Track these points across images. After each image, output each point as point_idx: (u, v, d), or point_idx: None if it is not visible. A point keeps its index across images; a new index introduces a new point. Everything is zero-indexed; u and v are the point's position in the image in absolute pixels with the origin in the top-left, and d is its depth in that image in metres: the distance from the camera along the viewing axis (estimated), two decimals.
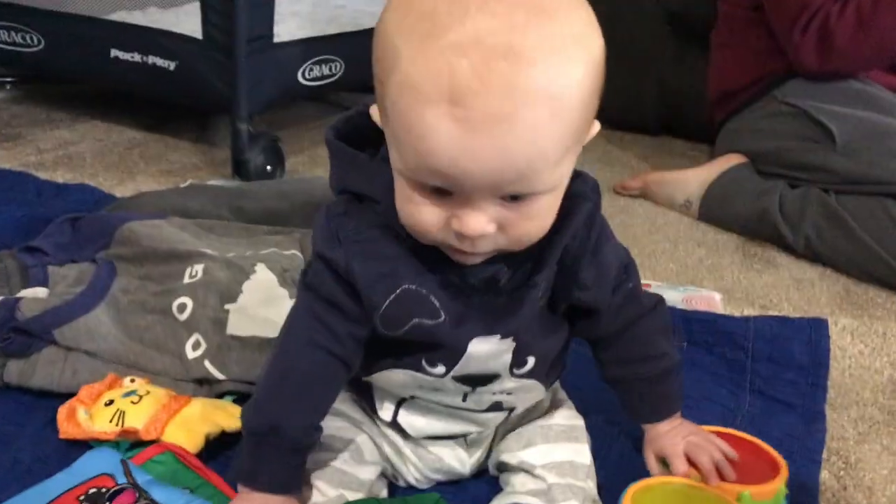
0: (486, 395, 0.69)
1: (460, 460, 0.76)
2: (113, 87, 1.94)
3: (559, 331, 0.70)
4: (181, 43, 1.60)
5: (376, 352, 0.66)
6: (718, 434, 0.76)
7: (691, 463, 0.71)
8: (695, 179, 1.66)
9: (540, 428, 0.75)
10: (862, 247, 1.34)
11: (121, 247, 1.03)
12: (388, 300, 0.61)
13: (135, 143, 1.81)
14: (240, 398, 0.87)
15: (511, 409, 0.72)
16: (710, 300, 1.23)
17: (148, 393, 0.82)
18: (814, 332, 1.04)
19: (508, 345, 0.65)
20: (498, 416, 0.73)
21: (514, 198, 0.53)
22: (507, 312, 0.63)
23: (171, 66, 1.61)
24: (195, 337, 0.90)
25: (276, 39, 1.61)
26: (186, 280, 0.96)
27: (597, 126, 0.57)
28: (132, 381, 0.86)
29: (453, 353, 0.64)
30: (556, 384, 0.81)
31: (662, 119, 2.18)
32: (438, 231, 0.55)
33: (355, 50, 1.79)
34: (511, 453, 0.74)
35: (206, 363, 0.89)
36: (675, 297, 1.21)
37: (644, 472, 0.76)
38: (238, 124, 1.56)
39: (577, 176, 0.61)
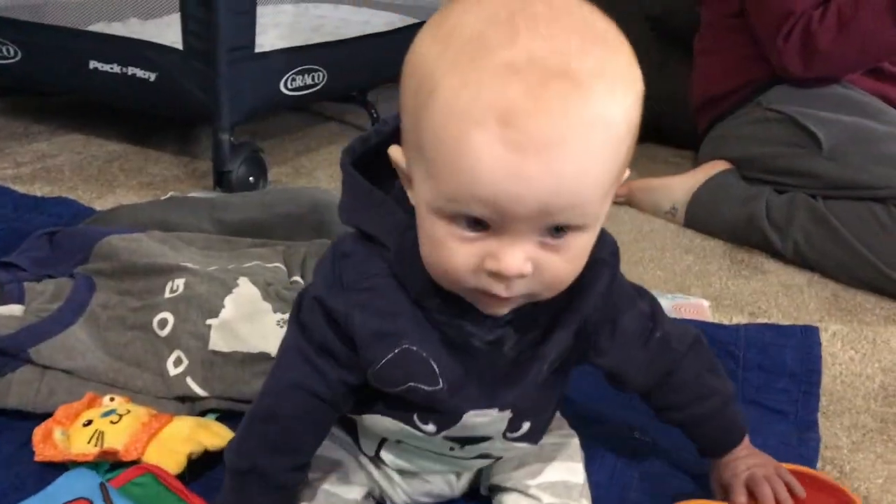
0: (477, 448, 0.67)
1: (450, 485, 0.74)
2: (92, 98, 1.92)
3: (559, 392, 0.68)
4: (162, 54, 1.58)
5: (367, 397, 0.64)
6: (795, 472, 0.73)
7: (752, 495, 0.69)
8: (680, 186, 1.65)
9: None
10: (851, 251, 1.34)
11: (100, 261, 1.02)
12: (385, 358, 0.58)
13: (114, 156, 1.80)
14: (223, 416, 0.86)
15: (500, 458, 0.71)
16: (699, 308, 1.22)
17: (128, 412, 0.80)
18: (805, 340, 1.04)
19: (505, 416, 0.63)
20: (486, 462, 0.72)
21: (558, 230, 0.50)
22: (509, 382, 0.61)
23: (152, 77, 1.59)
24: (176, 353, 0.89)
25: (258, 49, 1.59)
26: (167, 295, 0.94)
27: (627, 172, 0.55)
28: (111, 399, 0.84)
29: (447, 420, 0.62)
30: None
31: (646, 125, 2.14)
32: (471, 275, 0.52)
33: (338, 59, 1.78)
34: (504, 475, 0.72)
35: (188, 380, 0.87)
36: (664, 305, 1.20)
37: (638, 485, 0.74)
38: (220, 135, 1.55)
39: (597, 238, 0.56)
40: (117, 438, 0.77)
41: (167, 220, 1.16)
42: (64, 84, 1.78)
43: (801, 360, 1.01)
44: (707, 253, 1.51)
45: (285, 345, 0.63)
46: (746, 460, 0.72)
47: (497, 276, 0.50)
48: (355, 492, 0.70)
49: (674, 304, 1.21)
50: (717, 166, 1.63)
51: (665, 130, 2.13)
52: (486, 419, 0.62)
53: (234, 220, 1.18)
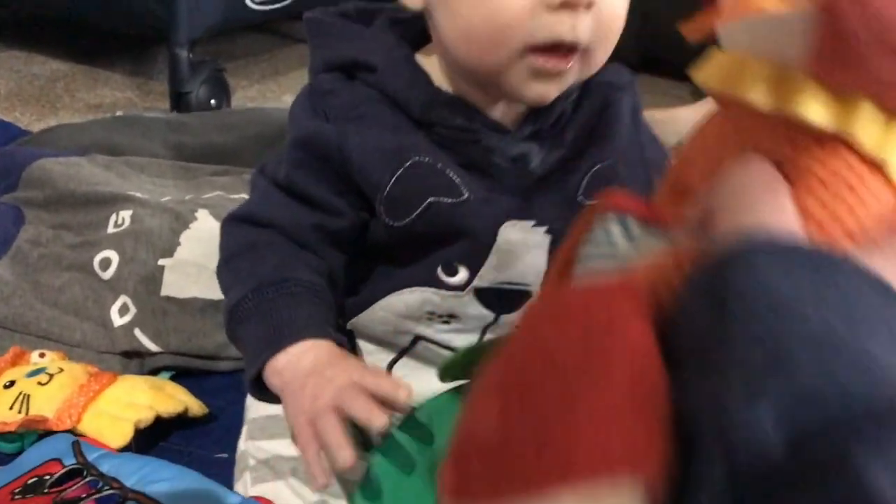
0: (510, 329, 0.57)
1: None
2: (34, 11, 1.82)
3: None
4: None
5: (377, 267, 0.59)
6: None
7: None
8: (687, 119, 1.53)
9: None
10: None
11: (30, 189, 0.98)
12: (394, 176, 0.55)
13: (59, 75, 1.69)
14: (179, 374, 0.80)
15: None
16: None
17: (61, 371, 0.74)
18: None
19: (542, 238, 0.57)
20: None
21: None
22: (543, 194, 0.58)
23: None
24: (122, 299, 0.82)
25: None
26: (111, 229, 0.88)
27: None
28: (41, 355, 0.78)
29: (479, 246, 0.56)
30: None
31: (644, 55, 2.06)
32: (530, 17, 0.49)
33: None
34: None
35: (136, 332, 0.81)
36: None
37: None
38: (177, 51, 1.45)
39: (605, 66, 0.57)
40: (47, 403, 0.71)
41: (113, 142, 1.12)
42: None
43: None
44: None
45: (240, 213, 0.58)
46: None
47: (567, 5, 0.49)
48: None
49: None
50: None
51: (665, 58, 2.03)
52: (523, 235, 0.56)
53: (192, 144, 1.15)
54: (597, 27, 0.51)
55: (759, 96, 0.31)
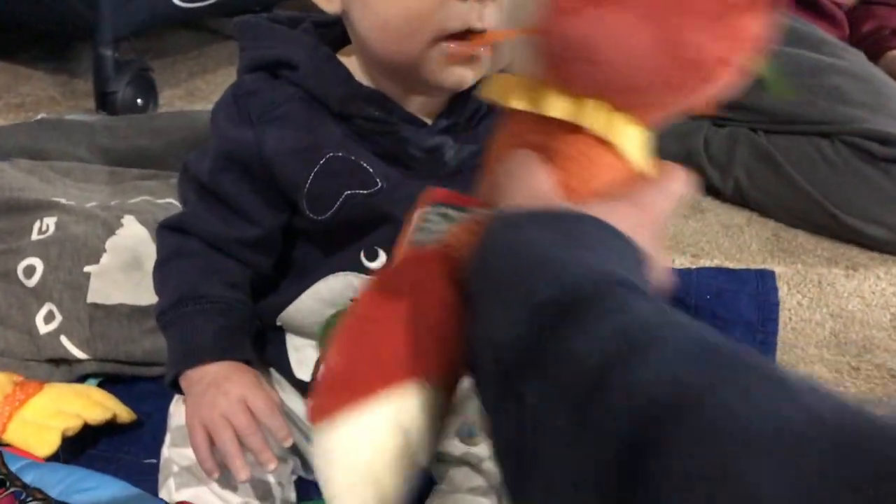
0: None
1: None
2: None
3: None
4: None
5: (304, 259, 0.62)
6: None
7: None
8: None
9: None
10: (795, 189, 1.29)
11: None
12: (312, 174, 0.58)
13: None
14: (107, 380, 0.79)
15: None
16: None
17: None
18: (761, 286, 0.97)
19: None
20: None
21: None
22: (455, 184, 0.59)
23: None
24: (47, 307, 0.81)
25: None
26: (35, 236, 0.85)
27: None
28: None
29: (396, 230, 0.57)
30: None
31: None
32: (440, 6, 0.52)
33: None
34: (452, 441, 0.64)
35: (63, 339, 0.79)
36: None
37: None
38: (101, 50, 1.43)
39: None
40: None
41: (37, 146, 1.09)
42: None
43: (757, 307, 0.95)
44: None
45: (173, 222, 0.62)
46: None
47: None
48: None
49: None
50: None
51: None
52: None
53: (117, 148, 1.12)
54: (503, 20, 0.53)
55: (518, 102, 0.39)
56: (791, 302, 1.08)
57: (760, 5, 0.35)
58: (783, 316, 1.04)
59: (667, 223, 0.39)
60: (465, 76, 0.55)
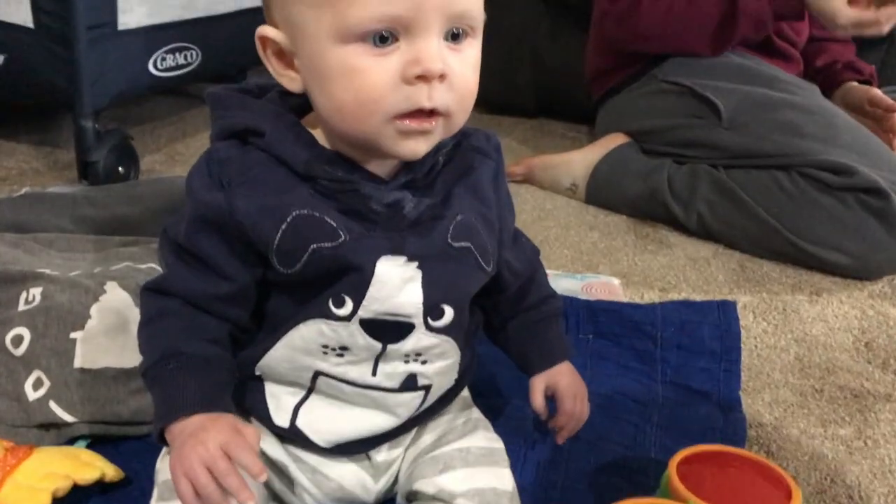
0: (399, 362, 0.65)
1: (364, 486, 0.69)
2: None
3: (471, 279, 0.67)
4: (10, 33, 1.44)
5: (276, 311, 0.65)
6: (729, 454, 0.69)
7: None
8: (580, 162, 1.61)
9: (458, 451, 0.68)
10: (756, 220, 1.33)
11: None
12: (279, 231, 0.60)
13: None
14: (95, 441, 0.78)
15: (426, 389, 0.67)
16: (610, 287, 1.17)
17: None
18: (723, 315, 1.00)
19: (415, 272, 0.62)
20: (413, 400, 0.67)
21: (454, 37, 0.57)
22: (414, 234, 0.63)
23: (0, 59, 1.47)
24: (36, 374, 0.80)
25: (122, 27, 1.48)
26: (21, 307, 0.84)
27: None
28: None
29: (360, 279, 0.61)
30: (469, 400, 0.76)
31: (540, 100, 2.14)
32: (392, 91, 0.56)
33: (212, 37, 1.68)
34: (427, 480, 0.66)
35: (52, 404, 0.79)
36: (573, 285, 1.15)
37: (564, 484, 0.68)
38: (81, 122, 1.44)
39: (476, 131, 0.68)
40: None
41: (21, 220, 1.08)
42: None
43: (719, 336, 0.98)
44: (611, 229, 1.47)
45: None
46: (571, 376, 0.77)
47: (422, 78, 0.56)
48: None
49: (584, 285, 1.16)
50: (615, 140, 1.60)
51: (559, 104, 2.10)
52: (398, 270, 0.62)
53: (99, 217, 1.11)
54: (451, 94, 0.58)
55: None
56: (757, 329, 1.12)
57: None
58: (749, 343, 1.07)
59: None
60: (417, 147, 0.59)
